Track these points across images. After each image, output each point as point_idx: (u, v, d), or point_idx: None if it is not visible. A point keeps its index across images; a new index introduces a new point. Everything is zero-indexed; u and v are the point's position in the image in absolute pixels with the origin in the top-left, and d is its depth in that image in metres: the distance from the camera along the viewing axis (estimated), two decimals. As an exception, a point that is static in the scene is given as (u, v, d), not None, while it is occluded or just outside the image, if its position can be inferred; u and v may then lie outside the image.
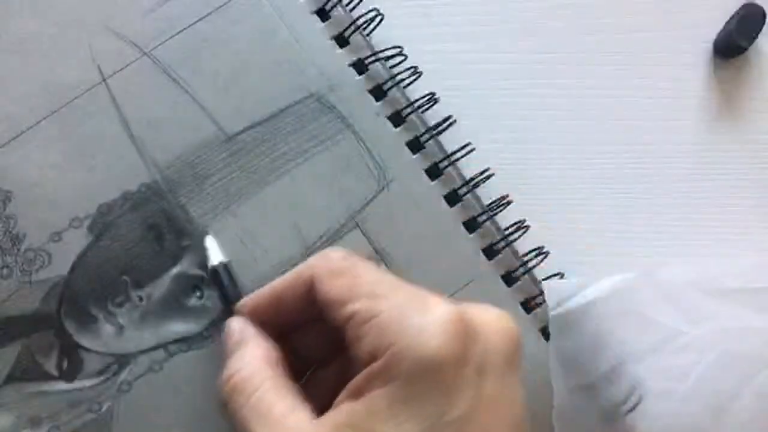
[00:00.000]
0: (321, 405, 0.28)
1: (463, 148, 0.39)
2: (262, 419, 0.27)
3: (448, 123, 0.39)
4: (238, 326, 0.31)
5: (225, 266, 0.35)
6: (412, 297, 0.28)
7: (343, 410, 0.26)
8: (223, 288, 0.35)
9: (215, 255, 0.35)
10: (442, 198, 0.38)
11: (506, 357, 0.27)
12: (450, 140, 0.39)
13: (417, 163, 0.38)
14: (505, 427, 0.27)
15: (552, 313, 0.37)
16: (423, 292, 0.28)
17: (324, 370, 0.32)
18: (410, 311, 0.27)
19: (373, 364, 0.26)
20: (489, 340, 0.27)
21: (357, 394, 0.26)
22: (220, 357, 0.35)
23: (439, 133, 0.39)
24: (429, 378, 0.26)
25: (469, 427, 0.26)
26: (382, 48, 0.39)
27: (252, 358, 0.30)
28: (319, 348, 0.32)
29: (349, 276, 0.29)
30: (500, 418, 0.27)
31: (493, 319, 0.28)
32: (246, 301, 0.32)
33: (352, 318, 0.28)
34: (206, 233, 0.36)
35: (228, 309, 0.34)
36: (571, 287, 0.37)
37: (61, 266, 0.35)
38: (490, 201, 0.39)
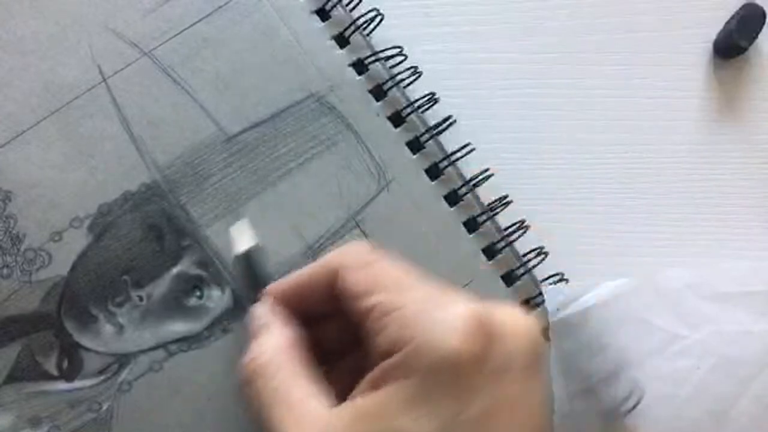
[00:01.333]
0: (341, 394, 0.28)
1: (463, 148, 0.39)
2: (280, 403, 0.27)
3: (448, 123, 0.39)
4: (263, 311, 0.31)
5: (257, 250, 0.34)
6: (435, 293, 0.28)
7: (360, 401, 0.26)
8: (252, 272, 0.34)
9: (246, 239, 0.34)
10: (442, 198, 0.38)
11: (527, 359, 0.27)
12: (450, 140, 0.39)
13: (417, 163, 0.38)
14: (523, 430, 0.26)
15: (552, 319, 0.37)
16: (447, 289, 0.28)
17: (345, 361, 0.32)
18: (432, 307, 0.27)
19: (391, 357, 0.26)
20: (510, 342, 0.27)
21: (375, 386, 0.26)
22: (221, 356, 0.35)
23: (439, 133, 0.39)
24: (446, 375, 0.25)
25: (485, 428, 0.25)
26: (382, 48, 0.39)
27: (275, 343, 0.30)
28: (341, 339, 0.31)
29: (373, 268, 0.29)
30: (518, 421, 0.26)
31: (516, 321, 0.27)
32: (272, 288, 0.32)
33: (373, 309, 0.28)
34: (241, 216, 0.36)
35: (254, 294, 0.33)
36: (570, 293, 0.37)
37: (61, 266, 0.35)
38: (490, 201, 0.39)
